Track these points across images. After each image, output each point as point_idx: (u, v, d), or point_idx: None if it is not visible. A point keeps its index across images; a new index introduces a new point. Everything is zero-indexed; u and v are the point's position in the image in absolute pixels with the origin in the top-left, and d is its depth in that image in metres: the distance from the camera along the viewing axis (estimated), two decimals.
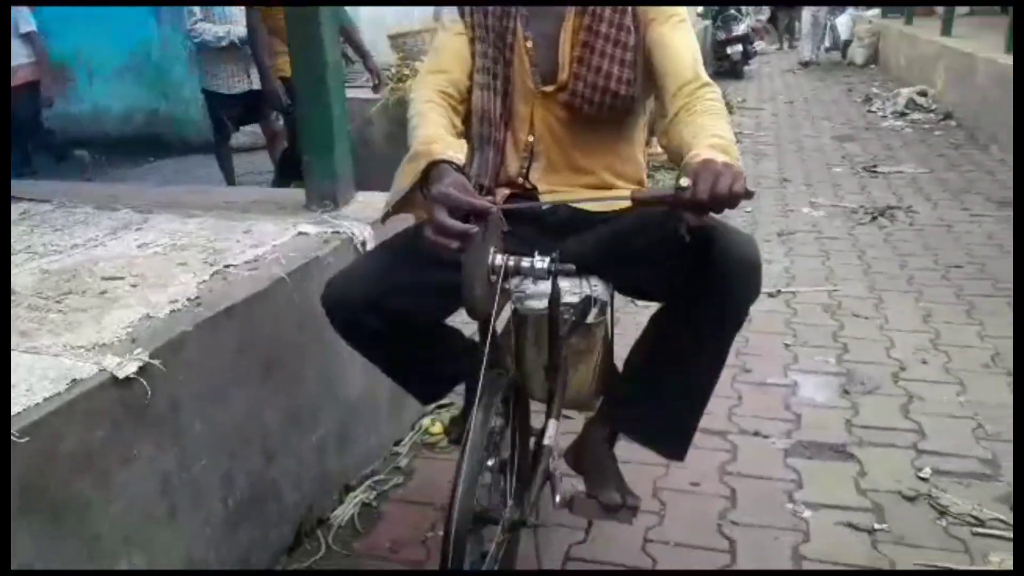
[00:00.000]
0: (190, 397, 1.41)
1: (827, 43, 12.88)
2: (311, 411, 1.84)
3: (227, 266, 1.67)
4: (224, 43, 4.44)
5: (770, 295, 3.42)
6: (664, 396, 1.53)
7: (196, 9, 4.44)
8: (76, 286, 1.55)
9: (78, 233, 1.89)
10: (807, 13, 12.93)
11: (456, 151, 1.32)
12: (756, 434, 2.35)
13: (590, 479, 1.62)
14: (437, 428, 2.34)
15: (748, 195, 1.14)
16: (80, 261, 1.70)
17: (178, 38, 6.55)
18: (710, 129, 1.30)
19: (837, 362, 2.79)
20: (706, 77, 1.41)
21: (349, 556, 1.85)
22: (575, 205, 1.47)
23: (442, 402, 2.47)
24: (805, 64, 12.40)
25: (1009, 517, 1.93)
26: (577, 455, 1.69)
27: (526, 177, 1.56)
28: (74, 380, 1.20)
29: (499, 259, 1.23)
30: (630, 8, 1.44)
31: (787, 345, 2.94)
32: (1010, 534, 1.87)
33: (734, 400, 2.55)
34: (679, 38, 1.43)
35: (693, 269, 1.36)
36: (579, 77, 1.46)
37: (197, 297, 1.51)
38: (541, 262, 1.24)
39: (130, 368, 1.25)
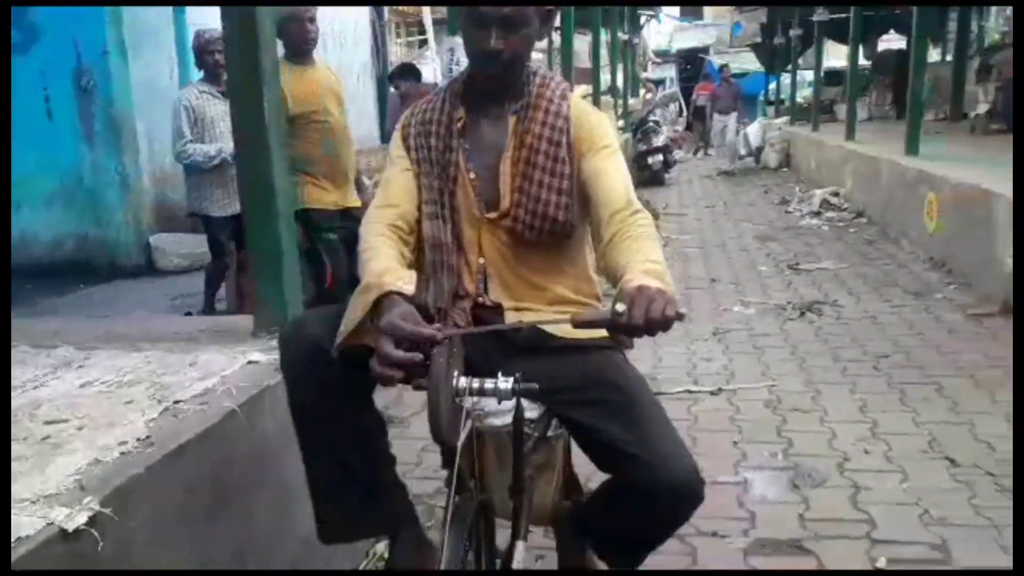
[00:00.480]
0: (140, 543, 1.35)
1: (742, 151, 13.69)
2: (263, 547, 1.77)
3: (176, 402, 1.63)
4: (216, 162, 4.24)
5: (712, 393, 3.50)
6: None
7: (186, 130, 4.27)
8: (17, 432, 1.49)
9: (16, 374, 1.83)
10: (718, 124, 14.59)
11: (406, 282, 1.37)
12: (714, 534, 2.36)
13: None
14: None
15: (679, 318, 1.21)
16: (20, 405, 1.63)
17: (110, 163, 6.55)
18: (643, 254, 1.36)
19: (784, 456, 2.85)
20: (637, 204, 1.49)
21: None
22: (542, 327, 1.50)
23: None
24: (726, 172, 13.18)
25: None
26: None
27: (485, 294, 1.60)
28: (19, 538, 1.14)
29: (463, 381, 1.25)
30: (564, 141, 1.54)
31: (735, 443, 2.99)
32: None
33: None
34: (611, 168, 1.52)
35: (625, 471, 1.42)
36: (519, 204, 1.54)
37: (147, 436, 1.47)
38: (505, 383, 1.26)
39: (80, 520, 1.19)
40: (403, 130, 1.64)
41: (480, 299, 1.58)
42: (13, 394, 1.71)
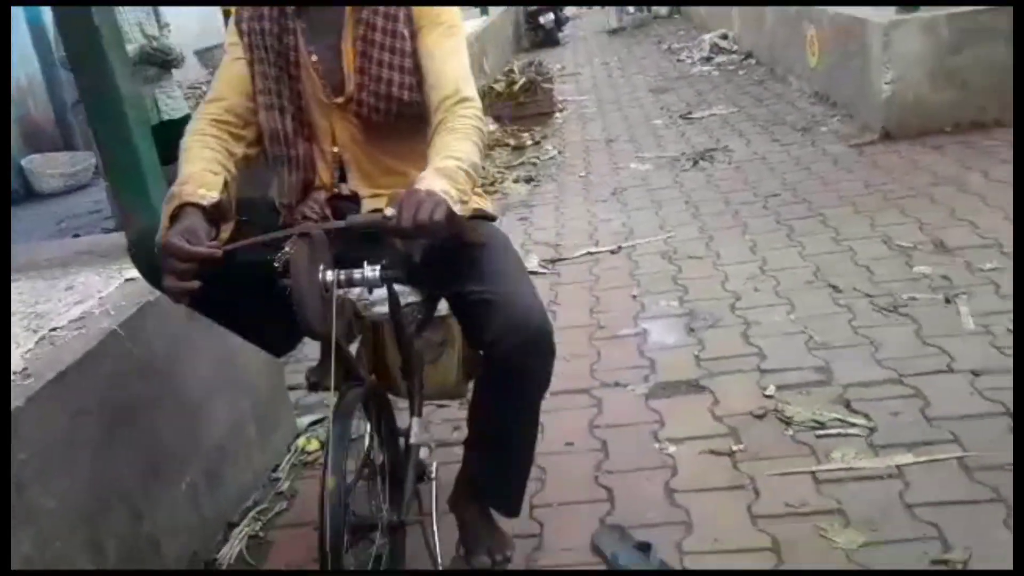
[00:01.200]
0: (33, 475, 1.34)
1: (631, 9, 13.11)
2: (173, 460, 1.79)
3: (52, 329, 1.59)
4: None
5: (612, 252, 3.60)
6: (493, 465, 1.64)
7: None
8: None
9: None
10: None
11: (208, 190, 1.35)
12: (617, 385, 2.49)
13: (464, 538, 1.73)
14: (313, 445, 2.33)
15: (453, 226, 1.23)
16: None
17: None
18: (446, 150, 1.35)
19: (680, 304, 2.99)
20: (468, 91, 1.45)
21: None
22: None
23: (314, 418, 2.47)
24: (614, 31, 12.47)
25: (844, 415, 2.15)
26: (453, 505, 1.76)
27: (343, 182, 1.57)
28: None
29: (329, 275, 1.25)
30: (402, 13, 1.47)
31: (634, 296, 3.11)
32: (846, 431, 2.09)
33: (593, 357, 2.68)
34: (446, 50, 1.47)
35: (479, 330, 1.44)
36: (363, 87, 1.49)
37: (24, 369, 1.43)
38: (372, 271, 1.27)
39: None
40: (236, 15, 1.55)
41: (336, 189, 1.55)
42: None
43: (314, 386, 1.56)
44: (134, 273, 1.85)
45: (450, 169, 1.30)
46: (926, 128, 4.47)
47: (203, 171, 1.39)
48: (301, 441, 2.36)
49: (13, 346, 1.54)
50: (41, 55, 6.65)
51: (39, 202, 6.23)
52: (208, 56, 5.67)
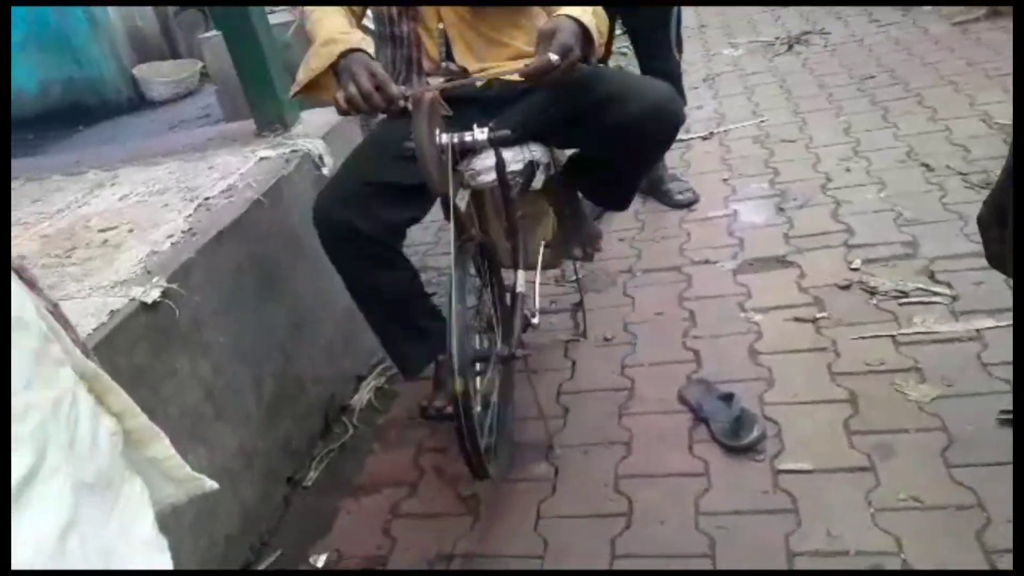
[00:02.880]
0: (208, 315, 1.60)
1: None
2: (313, 317, 2.04)
3: (206, 199, 1.83)
4: None
5: (704, 138, 3.64)
6: (607, 179, 1.84)
7: None
8: (78, 241, 1.71)
9: (58, 199, 2.03)
10: None
11: (368, 46, 1.47)
12: (706, 262, 2.61)
13: (563, 225, 1.94)
14: None
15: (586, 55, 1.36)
16: (72, 221, 1.85)
17: None
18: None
19: (770, 186, 3.04)
20: None
21: (373, 431, 2.10)
22: (504, 78, 1.63)
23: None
24: None
25: (928, 284, 2.23)
26: (552, 202, 1.96)
27: (450, 60, 1.71)
28: (112, 312, 1.39)
29: (444, 138, 1.42)
30: None
31: (725, 180, 3.18)
32: (929, 299, 2.17)
33: (684, 237, 2.80)
34: None
35: (614, 120, 1.57)
36: None
37: (190, 229, 1.68)
38: (481, 133, 1.43)
39: (154, 294, 1.43)
40: None
41: (444, 65, 1.69)
42: (62, 215, 1.91)
43: (425, 412, 1.71)
44: (266, 152, 2.08)
45: (584, 7, 1.43)
46: None
47: (355, 28, 1.54)
48: None
49: (175, 213, 1.79)
50: None
51: (150, 109, 6.58)
52: None
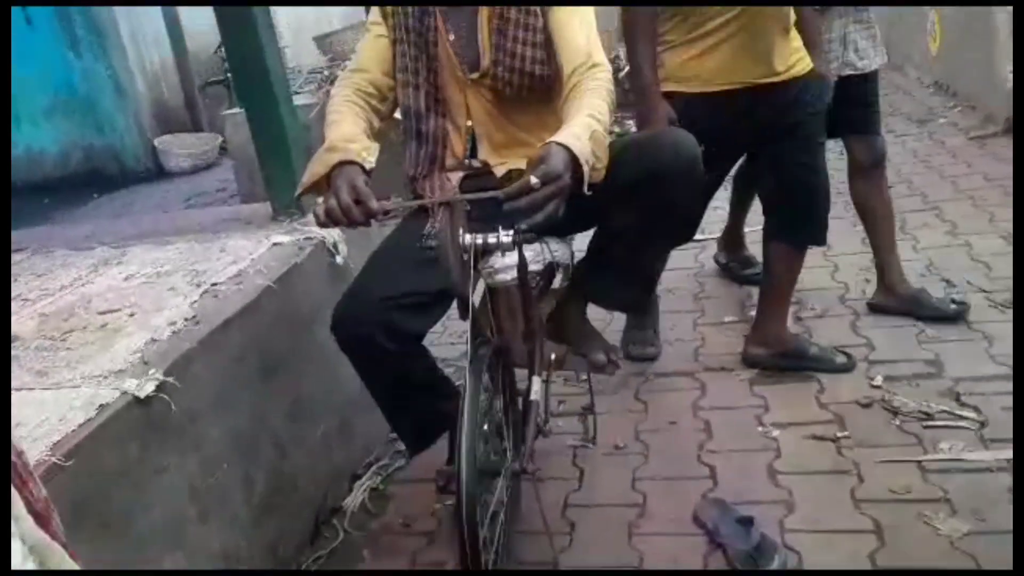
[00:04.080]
0: (204, 408, 1.53)
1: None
2: (312, 408, 1.96)
3: (214, 284, 1.78)
4: None
5: (718, 241, 3.61)
6: (621, 271, 1.77)
7: None
8: (76, 323, 1.65)
9: (62, 275, 1.98)
10: None
11: (370, 154, 1.50)
12: (722, 369, 2.53)
13: (575, 344, 1.86)
14: None
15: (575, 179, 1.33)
16: (73, 301, 1.79)
17: (100, 67, 6.48)
18: (582, 109, 1.45)
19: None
20: (599, 57, 1.54)
21: (366, 537, 1.99)
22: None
23: None
24: None
25: (954, 408, 2.14)
26: (557, 327, 1.88)
27: (473, 157, 1.69)
28: (101, 405, 1.31)
29: (468, 239, 1.37)
30: None
31: (740, 285, 3.13)
32: (956, 423, 2.08)
33: (698, 342, 2.73)
34: (576, 20, 1.57)
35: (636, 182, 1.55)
36: (497, 63, 1.60)
37: (194, 316, 1.62)
38: (506, 236, 1.38)
39: (148, 388, 1.36)
40: None
41: (467, 161, 1.67)
42: (63, 292, 1.86)
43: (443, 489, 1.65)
44: (280, 238, 2.04)
45: (587, 124, 1.40)
46: None
47: (363, 134, 1.55)
48: None
49: (181, 297, 1.74)
50: (174, 40, 7.09)
51: (168, 180, 6.67)
52: (325, 43, 5.97)
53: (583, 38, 1.55)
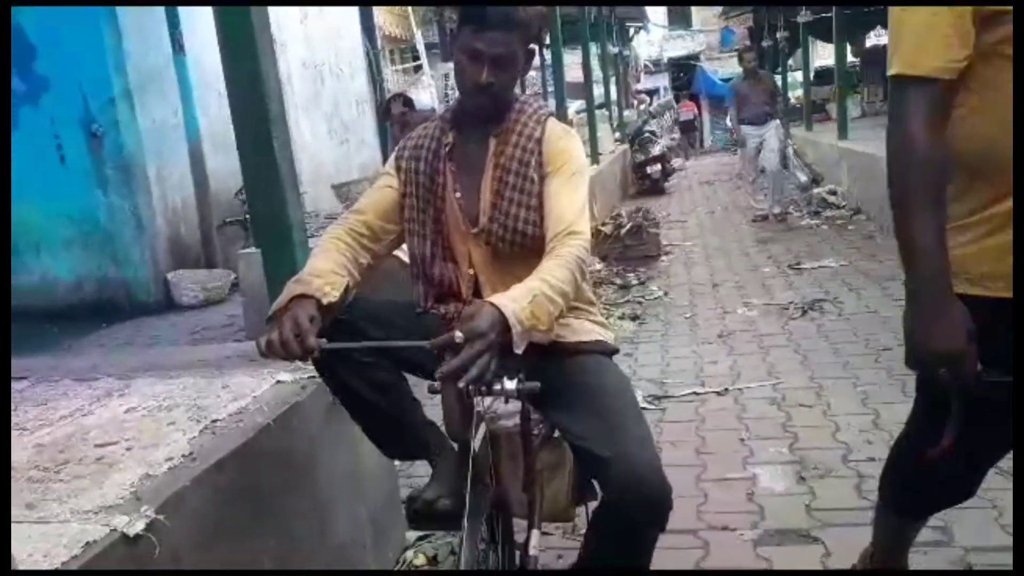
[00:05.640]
0: (191, 548, 1.48)
1: (802, 177, 9.29)
2: (301, 554, 1.89)
3: (214, 421, 1.77)
4: None
5: (719, 393, 3.62)
6: None
7: None
8: (72, 455, 1.63)
9: (63, 405, 1.97)
10: (751, 142, 8.48)
11: (332, 288, 1.56)
12: (725, 528, 2.46)
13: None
14: (420, 559, 2.39)
15: (501, 337, 1.36)
16: (71, 432, 1.77)
17: (124, 205, 6.72)
18: (539, 273, 1.51)
19: (790, 451, 2.95)
20: (579, 226, 1.61)
21: None
22: None
23: (421, 534, 2.54)
24: (771, 216, 8.43)
25: None
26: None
27: (478, 296, 1.74)
28: (87, 543, 1.27)
29: (471, 387, 1.38)
30: (533, 162, 1.69)
31: (742, 440, 3.10)
32: None
33: (700, 498, 2.67)
34: (567, 191, 1.65)
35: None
36: (493, 220, 1.69)
37: (191, 453, 1.60)
38: (510, 383, 1.39)
39: (139, 526, 1.33)
40: (398, 152, 1.82)
41: (472, 300, 1.71)
42: (62, 423, 1.85)
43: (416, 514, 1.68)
44: (283, 376, 2.05)
45: (531, 288, 1.45)
46: None
47: (332, 271, 1.62)
48: (409, 555, 2.42)
49: (180, 433, 1.72)
50: (196, 180, 7.40)
51: (177, 312, 6.75)
52: (344, 191, 6.27)
53: (569, 206, 1.63)
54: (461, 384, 1.33)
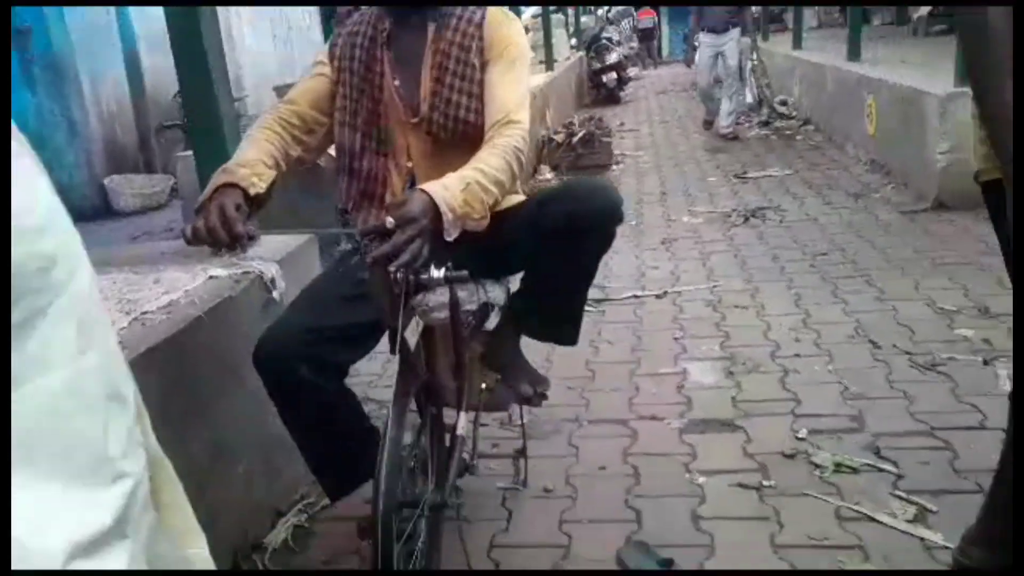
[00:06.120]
0: None
1: (748, 97, 8.80)
2: (235, 446, 1.94)
3: (143, 313, 1.77)
4: None
5: (658, 296, 3.71)
6: (551, 304, 1.82)
7: None
8: None
9: None
10: (705, 52, 8.00)
11: (260, 180, 1.55)
12: (653, 418, 2.58)
13: (505, 375, 1.89)
14: None
15: (432, 223, 1.38)
16: None
17: (54, 107, 6.45)
18: (474, 161, 1.52)
19: (721, 348, 3.07)
20: (517, 116, 1.61)
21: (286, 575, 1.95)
22: None
23: None
24: (725, 136, 7.92)
25: (874, 461, 2.20)
26: (491, 357, 1.91)
27: None
28: None
29: (399, 274, 1.41)
30: (474, 47, 1.66)
31: (676, 339, 3.20)
32: (874, 475, 2.15)
33: (632, 391, 2.78)
34: (508, 79, 1.65)
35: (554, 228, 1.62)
36: (434, 108, 1.68)
37: (119, 342, 1.60)
38: (437, 272, 1.42)
39: None
40: (332, 39, 1.78)
41: None
42: None
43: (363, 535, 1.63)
44: (217, 271, 2.04)
45: (464, 176, 1.47)
46: (980, 200, 4.48)
47: (260, 161, 1.59)
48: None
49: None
50: (132, 83, 7.10)
51: (116, 219, 6.59)
52: (284, 92, 6.13)
53: (509, 95, 1.63)
54: (392, 268, 1.36)
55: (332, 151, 1.84)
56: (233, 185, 1.50)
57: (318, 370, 1.57)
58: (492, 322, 1.89)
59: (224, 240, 1.42)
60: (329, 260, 2.19)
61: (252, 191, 1.53)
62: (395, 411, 1.41)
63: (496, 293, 1.80)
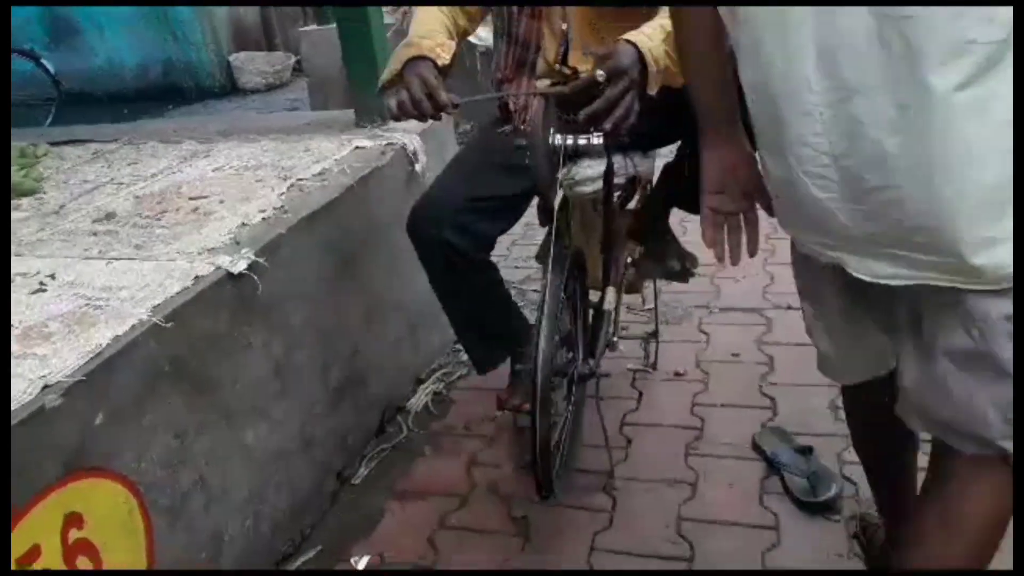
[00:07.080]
0: (288, 293, 1.58)
1: None
2: (384, 311, 2.01)
3: (299, 179, 1.82)
4: None
5: None
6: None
7: None
8: (169, 205, 1.71)
9: (152, 164, 2.05)
10: None
11: (444, 51, 1.51)
12: (789, 307, 2.50)
13: (651, 248, 1.86)
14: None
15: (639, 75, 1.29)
16: (165, 186, 1.85)
17: None
18: (659, 19, 1.40)
19: None
20: None
21: (427, 435, 2.05)
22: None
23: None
24: None
25: None
26: (636, 228, 1.87)
27: (564, 63, 1.68)
28: (197, 277, 1.37)
29: (558, 139, 1.38)
30: None
31: None
32: None
33: (767, 280, 2.70)
34: None
35: None
36: None
37: (282, 206, 1.66)
38: (597, 138, 1.38)
39: (241, 265, 1.42)
40: None
41: (558, 67, 1.66)
42: (156, 179, 1.93)
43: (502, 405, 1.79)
44: (363, 142, 2.07)
45: (664, 25, 1.37)
46: None
47: (440, 32, 1.56)
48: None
49: (268, 189, 1.78)
50: None
51: (240, 96, 6.77)
52: None
53: None
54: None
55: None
56: (422, 57, 1.48)
57: (469, 239, 1.59)
58: (633, 203, 1.85)
59: (429, 111, 1.42)
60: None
61: (440, 62, 1.50)
62: (553, 280, 1.41)
63: (645, 166, 1.74)
